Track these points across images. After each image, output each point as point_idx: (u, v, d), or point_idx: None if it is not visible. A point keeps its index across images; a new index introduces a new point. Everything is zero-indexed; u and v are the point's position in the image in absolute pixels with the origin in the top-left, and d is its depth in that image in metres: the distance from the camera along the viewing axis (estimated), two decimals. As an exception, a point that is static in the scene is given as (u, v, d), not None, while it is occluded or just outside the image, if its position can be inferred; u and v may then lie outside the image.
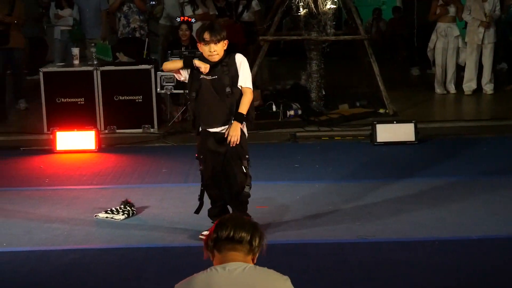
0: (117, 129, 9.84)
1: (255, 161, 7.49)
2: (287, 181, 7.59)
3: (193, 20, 11.13)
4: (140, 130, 9.85)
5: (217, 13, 12.37)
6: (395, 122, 9.31)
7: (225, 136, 5.72)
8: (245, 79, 5.77)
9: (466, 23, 12.30)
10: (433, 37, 12.27)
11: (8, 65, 11.38)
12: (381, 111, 10.52)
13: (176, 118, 10.07)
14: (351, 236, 6.01)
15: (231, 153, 5.78)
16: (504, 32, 12.72)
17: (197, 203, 6.04)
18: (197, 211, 6.02)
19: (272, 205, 6.78)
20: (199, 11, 11.96)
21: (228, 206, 6.07)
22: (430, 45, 12.32)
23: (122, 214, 6.50)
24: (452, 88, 12.28)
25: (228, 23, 12.45)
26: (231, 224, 3.25)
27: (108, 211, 6.57)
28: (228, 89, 5.73)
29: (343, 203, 6.82)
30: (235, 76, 5.75)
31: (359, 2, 18.08)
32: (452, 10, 12.09)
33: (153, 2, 13.69)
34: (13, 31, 10.98)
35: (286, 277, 3.20)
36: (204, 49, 5.74)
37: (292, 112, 10.29)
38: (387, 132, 9.06)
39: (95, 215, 6.54)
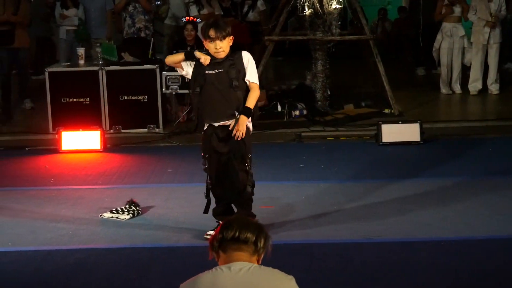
0: (122, 129, 9.86)
1: (260, 161, 7.54)
2: (292, 181, 7.59)
3: (198, 20, 11.14)
4: (145, 130, 9.86)
5: (222, 13, 12.38)
6: (400, 122, 9.30)
7: (230, 128, 5.70)
8: (253, 74, 5.78)
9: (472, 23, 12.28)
10: (439, 37, 12.26)
11: (13, 64, 11.41)
12: (387, 111, 10.51)
13: (181, 118, 10.08)
14: (356, 236, 6.00)
15: (234, 151, 5.77)
16: (510, 32, 12.70)
17: (203, 203, 6.04)
18: (206, 210, 5.99)
19: (277, 205, 6.77)
20: (205, 11, 11.97)
21: (233, 205, 6.06)
22: (436, 45, 12.31)
23: (127, 214, 6.50)
24: (457, 88, 12.27)
25: (233, 23, 12.44)
26: (236, 225, 3.25)
27: (113, 211, 6.57)
28: (235, 82, 5.72)
29: (348, 203, 6.81)
30: (241, 70, 5.75)
31: (364, 2, 18.07)
32: (457, 10, 12.08)
33: (158, 2, 13.70)
34: (18, 31, 11.00)
35: (291, 277, 3.20)
36: (210, 46, 5.75)
37: (297, 112, 10.29)
38: (392, 132, 9.04)
39: (100, 215, 6.55)
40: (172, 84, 9.94)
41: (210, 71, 5.75)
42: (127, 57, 10.49)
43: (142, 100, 9.88)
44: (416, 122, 9.15)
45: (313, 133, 9.71)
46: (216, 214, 6.01)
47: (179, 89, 9.93)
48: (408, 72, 14.59)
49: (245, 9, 13.06)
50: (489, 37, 11.95)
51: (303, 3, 10.32)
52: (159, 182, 7.65)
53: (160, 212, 6.66)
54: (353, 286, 5.13)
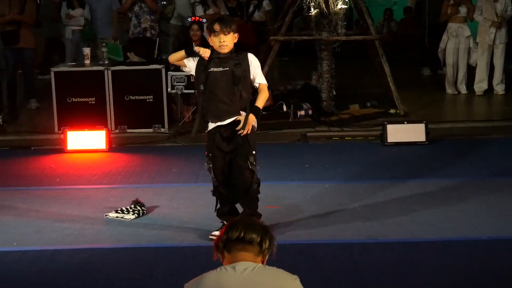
0: (127, 128, 9.86)
1: (266, 161, 7.54)
2: (297, 181, 7.58)
3: (204, 20, 11.14)
4: (150, 130, 9.86)
5: (228, 13, 12.37)
6: (405, 122, 9.29)
7: (237, 128, 5.69)
8: (261, 76, 5.80)
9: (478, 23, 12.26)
10: (444, 37, 12.24)
11: (18, 64, 11.43)
12: (392, 111, 10.50)
13: (187, 118, 10.08)
14: (361, 236, 5.99)
15: (238, 149, 5.76)
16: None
17: (208, 202, 6.04)
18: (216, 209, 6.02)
19: (282, 205, 6.77)
20: (210, 11, 11.97)
21: (237, 206, 6.06)
22: (441, 45, 12.30)
23: (132, 214, 6.50)
24: (463, 89, 12.25)
25: (239, 23, 12.42)
26: (241, 226, 3.26)
27: (118, 211, 6.57)
28: (240, 82, 5.71)
29: (353, 203, 6.80)
30: (246, 70, 5.75)
31: (370, 2, 18.06)
32: (463, 10, 12.06)
33: (164, 2, 13.72)
34: (24, 31, 11.02)
35: (295, 277, 3.20)
36: (214, 40, 5.75)
37: (302, 112, 10.28)
38: (397, 133, 9.03)
39: (105, 215, 6.55)
40: (177, 84, 9.95)
41: (215, 69, 5.74)
42: (133, 57, 10.49)
43: (147, 100, 9.89)
44: (422, 123, 9.14)
45: (319, 133, 9.70)
46: (220, 214, 6.00)
47: (185, 89, 9.93)
48: (413, 72, 14.56)
49: (251, 9, 13.06)
50: (494, 37, 11.93)
51: (309, 3, 10.31)
52: (164, 182, 7.65)
53: (165, 212, 6.66)
54: (357, 286, 5.13)
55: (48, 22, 13.23)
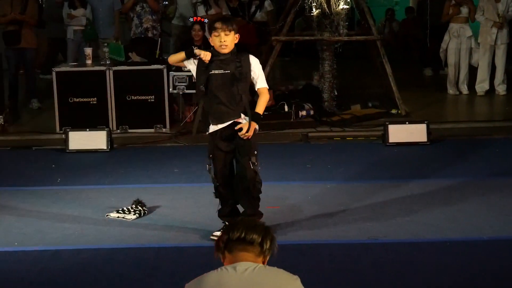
0: (129, 129, 9.87)
1: (267, 161, 7.55)
2: (298, 181, 7.58)
3: (205, 20, 11.13)
4: (152, 130, 9.87)
5: (230, 13, 12.37)
6: (407, 122, 9.29)
7: (240, 134, 5.69)
8: (262, 79, 5.78)
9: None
10: (446, 37, 12.25)
11: (20, 64, 11.44)
12: (393, 111, 10.50)
13: (188, 118, 10.09)
14: (363, 236, 5.99)
15: (239, 149, 5.76)
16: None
17: (209, 203, 6.05)
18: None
19: (284, 205, 6.77)
20: (212, 11, 11.98)
21: (238, 206, 6.06)
22: (443, 45, 12.30)
23: (134, 214, 6.50)
24: (464, 89, 12.26)
25: (241, 23, 12.45)
26: (242, 226, 3.26)
27: (120, 211, 6.57)
28: (241, 85, 5.71)
29: (354, 204, 6.80)
30: (247, 72, 5.74)
31: (372, 3, 18.06)
32: (464, 10, 12.06)
33: (166, 2, 13.72)
34: (25, 31, 11.03)
35: (296, 277, 3.20)
36: (215, 40, 5.73)
37: (304, 113, 10.29)
38: (399, 133, 9.03)
39: (107, 215, 6.55)
40: (179, 84, 9.95)
41: (216, 71, 5.73)
42: (134, 57, 10.50)
43: (149, 100, 9.89)
44: (423, 123, 9.13)
45: (320, 133, 9.71)
46: (222, 215, 6.00)
47: (186, 89, 9.93)
48: (415, 72, 14.57)
49: (253, 9, 13.05)
50: (496, 37, 11.93)
51: (311, 3, 10.32)
52: (165, 182, 7.65)
53: (166, 212, 6.67)
54: (358, 286, 5.13)
55: (53, 22, 13.22)
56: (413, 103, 11.07)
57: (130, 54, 10.55)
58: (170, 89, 9.99)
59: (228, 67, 5.72)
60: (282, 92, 11.11)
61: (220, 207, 6.01)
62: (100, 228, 6.27)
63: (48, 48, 14.04)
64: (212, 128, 5.83)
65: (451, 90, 12.25)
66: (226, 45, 5.70)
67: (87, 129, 9.11)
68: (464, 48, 12.15)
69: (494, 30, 11.89)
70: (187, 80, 9.84)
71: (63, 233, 6.18)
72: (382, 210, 6.62)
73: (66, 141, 9.00)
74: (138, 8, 11.53)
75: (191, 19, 11.47)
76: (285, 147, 9.10)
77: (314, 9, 10.34)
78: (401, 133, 9.04)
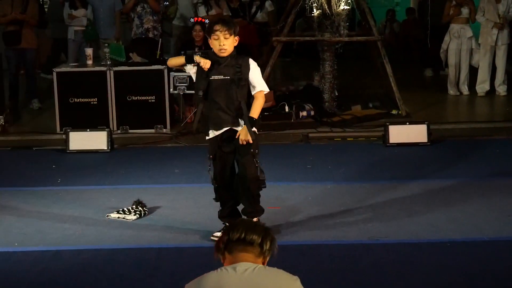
0: (129, 129, 9.87)
1: (267, 162, 7.51)
2: (299, 182, 7.58)
3: (206, 20, 11.13)
4: (152, 131, 9.87)
5: (230, 14, 12.39)
6: (407, 123, 9.29)
7: (237, 137, 5.69)
8: (259, 83, 5.76)
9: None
10: (446, 38, 12.25)
11: (21, 65, 11.44)
12: (394, 112, 10.50)
13: (189, 119, 10.08)
14: (363, 237, 5.99)
15: (240, 148, 5.73)
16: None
17: (209, 203, 6.05)
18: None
19: (284, 206, 6.77)
20: (213, 12, 11.98)
21: (238, 207, 6.06)
22: (443, 46, 12.30)
23: (134, 214, 6.50)
24: (465, 90, 12.26)
25: (241, 24, 12.46)
26: (242, 227, 3.27)
27: (120, 211, 6.57)
28: (240, 91, 5.71)
29: (355, 204, 6.80)
30: (246, 78, 5.72)
31: (372, 3, 18.09)
32: (465, 11, 12.06)
33: (166, 3, 13.71)
34: (26, 31, 11.03)
35: (295, 277, 3.20)
36: (214, 44, 5.72)
37: (304, 113, 10.29)
38: (399, 133, 9.03)
39: (107, 215, 6.55)
40: (179, 84, 9.96)
41: (216, 77, 5.71)
42: (135, 58, 10.50)
43: (149, 101, 9.89)
44: (424, 123, 9.13)
45: (321, 134, 9.70)
46: (222, 216, 6.00)
47: (187, 90, 9.93)
48: (415, 73, 14.57)
49: (253, 10, 13.09)
50: (497, 38, 11.93)
51: (311, 4, 10.32)
52: (166, 183, 7.65)
53: (167, 212, 6.67)
54: (358, 286, 5.13)
55: (56, 22, 13.22)
56: (414, 104, 11.07)
57: (130, 54, 10.55)
58: (171, 90, 9.99)
59: (228, 73, 5.70)
60: (283, 92, 11.12)
61: (220, 208, 6.01)
62: (101, 229, 6.27)
63: (52, 48, 14.03)
64: (212, 133, 5.82)
65: (451, 91, 12.26)
66: (225, 49, 5.68)
67: (88, 130, 9.10)
68: (465, 48, 12.15)
69: (495, 31, 11.89)
70: (188, 81, 9.84)
71: (63, 233, 6.18)
72: (382, 211, 6.62)
73: (66, 141, 9.00)
74: (139, 8, 11.53)
75: (192, 20, 11.47)
76: (285, 148, 9.10)
77: (314, 10, 10.35)
78: (402, 133, 9.04)
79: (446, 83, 12.43)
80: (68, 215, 6.62)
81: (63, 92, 9.85)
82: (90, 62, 10.30)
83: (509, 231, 6.08)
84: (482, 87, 12.11)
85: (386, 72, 10.73)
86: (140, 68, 10.13)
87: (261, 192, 5.95)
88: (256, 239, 3.23)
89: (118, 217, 6.50)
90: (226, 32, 5.64)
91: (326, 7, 10.23)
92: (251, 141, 5.66)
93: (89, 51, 10.44)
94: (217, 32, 5.65)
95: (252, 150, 5.76)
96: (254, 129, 5.77)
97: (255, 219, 5.89)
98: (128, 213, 6.52)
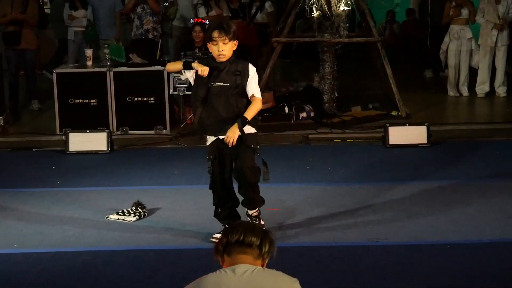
0: (129, 130, 9.86)
1: (267, 163, 7.50)
2: (299, 183, 7.58)
3: (206, 21, 11.13)
4: (152, 132, 9.86)
5: (230, 15, 12.39)
6: (407, 124, 9.29)
7: (225, 139, 5.68)
8: (256, 90, 5.75)
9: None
10: (446, 39, 12.25)
11: (20, 65, 11.43)
12: (394, 113, 10.50)
13: (188, 120, 10.08)
14: (363, 238, 5.99)
15: (240, 144, 5.71)
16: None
17: (209, 205, 6.03)
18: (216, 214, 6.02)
19: (284, 207, 6.77)
20: (213, 13, 11.97)
21: (237, 209, 6.05)
22: (443, 47, 12.31)
23: (134, 216, 6.50)
24: (465, 91, 12.26)
25: (241, 24, 12.46)
26: (241, 229, 3.26)
27: (120, 213, 6.57)
28: (241, 98, 5.70)
29: (354, 206, 6.80)
30: (245, 84, 5.71)
31: (372, 4, 18.09)
32: (465, 12, 12.07)
33: (166, 4, 13.71)
34: (26, 31, 11.03)
35: (295, 279, 3.20)
36: (213, 49, 5.71)
37: (304, 114, 10.28)
38: (399, 135, 9.03)
39: (107, 217, 6.55)
40: (179, 85, 9.95)
41: (215, 84, 5.70)
42: (135, 59, 10.49)
43: (149, 102, 9.89)
44: (423, 125, 9.14)
45: (320, 135, 9.70)
46: (221, 218, 5.99)
47: (187, 91, 9.92)
48: (415, 74, 14.57)
49: (253, 10, 13.08)
50: (496, 39, 11.93)
51: (311, 5, 10.32)
52: (166, 184, 7.64)
53: (167, 214, 6.66)
54: (359, 289, 5.13)
55: (60, 23, 13.20)
56: (414, 105, 11.07)
57: (130, 55, 10.54)
58: (171, 91, 9.98)
59: (228, 80, 5.69)
60: (283, 93, 11.12)
61: (219, 210, 6.00)
62: (100, 230, 6.27)
63: (57, 48, 14.00)
64: (210, 139, 5.82)
65: (451, 92, 12.26)
66: (224, 54, 5.68)
67: (87, 131, 9.10)
68: (465, 50, 12.15)
69: (495, 32, 11.89)
70: (188, 82, 9.82)
71: (63, 234, 6.17)
72: (382, 212, 6.62)
73: (66, 142, 9.00)
74: (139, 9, 11.53)
75: (191, 21, 11.46)
76: (285, 149, 9.10)
77: (314, 11, 10.35)
78: (402, 135, 9.04)
79: (446, 84, 12.44)
80: (68, 217, 6.61)
81: (63, 93, 9.85)
82: (90, 63, 10.30)
83: (509, 232, 6.07)
84: (482, 88, 12.11)
85: (386, 73, 10.73)
86: (140, 69, 10.12)
87: (261, 195, 5.94)
88: (255, 241, 3.23)
89: (118, 219, 6.49)
90: (225, 38, 5.64)
91: (326, 8, 10.24)
92: (234, 142, 5.63)
93: (89, 52, 10.44)
94: (216, 39, 5.65)
95: (252, 146, 5.75)
96: (253, 130, 5.77)
97: (255, 212, 5.88)
98: (127, 215, 6.52)
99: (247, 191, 5.87)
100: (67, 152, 8.95)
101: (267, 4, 13.12)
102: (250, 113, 5.70)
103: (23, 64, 11.41)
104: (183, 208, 6.82)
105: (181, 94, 10.04)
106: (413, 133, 9.08)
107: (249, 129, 5.76)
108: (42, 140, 9.63)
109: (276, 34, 11.09)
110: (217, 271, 3.19)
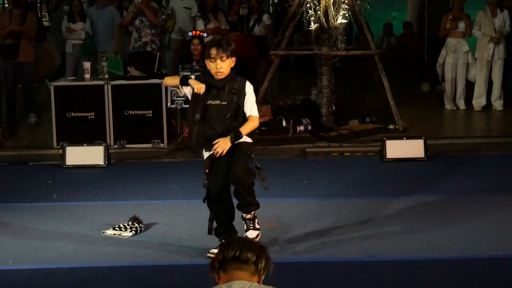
0: (126, 144, 9.84)
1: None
2: (296, 198, 7.56)
3: (204, 34, 11.14)
4: (149, 145, 9.85)
5: (228, 28, 12.39)
6: (404, 138, 9.29)
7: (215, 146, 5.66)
8: (253, 108, 5.75)
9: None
10: (443, 52, 12.28)
11: (18, 78, 11.43)
12: (391, 127, 10.50)
13: (186, 133, 10.06)
14: (360, 254, 5.97)
15: (236, 150, 5.71)
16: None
17: (206, 220, 6.01)
18: (210, 231, 5.96)
19: (281, 222, 6.75)
20: (211, 25, 11.98)
21: (234, 223, 6.03)
22: (440, 60, 12.33)
23: (130, 231, 6.47)
24: (461, 104, 12.27)
25: (239, 37, 12.47)
26: (237, 245, 3.24)
27: (116, 228, 6.54)
28: (238, 117, 5.70)
29: (352, 220, 6.78)
30: (241, 102, 5.72)
31: (370, 17, 18.06)
32: (461, 25, 12.09)
33: (164, 16, 13.71)
34: (24, 44, 11.03)
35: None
36: (211, 66, 5.71)
37: (302, 128, 10.27)
38: (396, 148, 9.02)
39: (103, 232, 6.51)
40: (177, 99, 9.95)
41: (212, 102, 5.70)
42: (133, 71, 10.49)
43: (147, 115, 9.88)
44: (421, 138, 9.13)
45: (318, 148, 9.70)
46: (218, 233, 5.97)
47: (184, 104, 9.91)
48: (413, 87, 14.58)
49: (251, 23, 13.08)
50: (493, 53, 11.96)
51: (309, 18, 10.34)
52: (162, 199, 7.62)
53: (163, 229, 6.63)
54: (356, 305, 5.11)
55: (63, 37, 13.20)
56: (411, 119, 11.08)
57: (128, 68, 10.54)
58: (168, 104, 9.98)
59: (225, 98, 5.69)
60: (280, 106, 11.11)
61: (215, 225, 5.97)
62: (96, 246, 6.23)
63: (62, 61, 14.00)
64: (206, 154, 5.81)
65: (448, 106, 12.27)
66: (222, 72, 5.68)
67: (84, 144, 9.07)
68: (461, 63, 12.17)
69: (491, 45, 11.92)
70: (185, 95, 9.80)
71: (58, 251, 6.13)
72: (380, 227, 6.59)
73: (63, 156, 8.96)
74: (137, 22, 11.53)
75: (190, 33, 11.47)
76: (282, 163, 9.08)
77: (312, 24, 10.36)
78: (399, 148, 9.03)
79: (443, 97, 12.44)
80: (64, 232, 6.58)
81: (61, 106, 9.84)
82: (88, 76, 10.30)
83: (507, 248, 6.05)
84: (478, 101, 12.13)
85: (383, 87, 10.74)
86: (138, 82, 10.12)
87: (258, 211, 5.93)
88: (251, 257, 3.21)
89: (114, 234, 6.46)
90: (223, 55, 5.64)
91: (324, 21, 10.25)
92: (224, 152, 5.61)
93: (87, 64, 10.44)
94: (214, 56, 5.65)
95: (248, 153, 5.74)
96: (249, 140, 5.76)
97: (249, 215, 5.85)
98: (124, 230, 6.49)
99: (242, 194, 5.82)
100: (64, 166, 8.92)
101: (265, 17, 13.13)
102: (245, 129, 5.70)
103: (21, 77, 11.41)
104: (180, 223, 6.79)
105: (179, 108, 10.04)
106: (410, 147, 9.07)
107: (245, 139, 5.76)
108: (39, 154, 9.61)
109: (274, 47, 11.10)
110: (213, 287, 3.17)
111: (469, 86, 12.35)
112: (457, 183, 8.03)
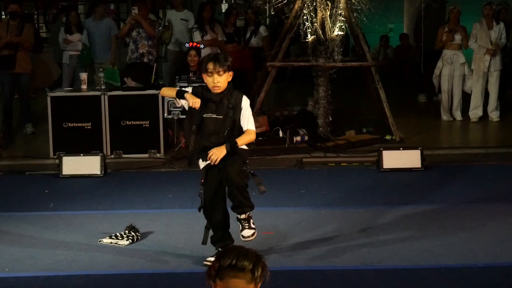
0: (123, 153, 9.85)
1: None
2: (293, 207, 7.56)
3: (201, 46, 11.17)
4: (146, 155, 9.85)
5: (225, 39, 12.43)
6: (401, 148, 9.30)
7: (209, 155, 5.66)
8: (250, 122, 5.77)
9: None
10: (439, 64, 12.31)
11: (14, 89, 11.43)
12: (388, 137, 10.52)
13: (183, 143, 10.07)
14: (357, 262, 5.97)
15: (231, 156, 5.70)
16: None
17: (202, 229, 6.00)
18: (204, 241, 5.95)
19: (277, 231, 6.75)
20: (208, 37, 12.01)
21: (230, 230, 6.03)
22: (436, 71, 12.36)
23: (127, 240, 6.47)
24: (458, 115, 12.30)
25: (236, 49, 12.53)
26: (234, 253, 3.24)
27: (113, 237, 6.54)
28: (234, 131, 5.71)
29: (349, 230, 6.78)
30: (238, 116, 5.73)
31: (366, 29, 18.13)
32: (458, 37, 12.13)
33: (161, 28, 13.74)
34: (20, 55, 11.04)
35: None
36: (208, 80, 5.72)
37: (298, 138, 10.30)
38: (393, 159, 9.03)
39: (99, 241, 6.52)
40: (174, 109, 9.96)
41: (209, 115, 5.72)
42: (130, 82, 10.50)
43: (143, 125, 9.89)
44: (417, 149, 9.14)
45: (315, 159, 9.71)
46: (214, 242, 5.97)
47: (181, 114, 9.92)
48: (409, 98, 14.61)
49: (248, 35, 13.13)
50: (489, 64, 12.00)
51: (306, 29, 10.37)
52: (159, 208, 7.62)
53: (160, 238, 6.63)
54: (353, 313, 5.11)
55: (58, 46, 13.22)
56: (407, 129, 11.10)
57: (125, 79, 10.55)
58: (165, 114, 9.99)
59: (221, 112, 5.71)
60: (277, 117, 11.14)
61: (212, 233, 5.97)
62: (92, 254, 6.23)
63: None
64: (202, 164, 5.81)
65: (444, 116, 12.29)
66: (219, 86, 5.69)
67: (81, 154, 9.08)
68: (458, 74, 12.20)
69: (487, 57, 11.96)
70: (182, 106, 9.82)
71: (55, 259, 6.13)
72: (376, 236, 6.60)
73: (59, 166, 8.97)
74: (134, 33, 11.55)
75: (187, 45, 11.50)
76: (279, 173, 9.09)
77: (309, 35, 10.39)
78: (395, 159, 9.05)
79: (439, 108, 12.47)
80: (60, 240, 6.58)
81: (57, 116, 9.84)
82: (84, 86, 10.31)
83: (504, 257, 6.06)
84: (475, 112, 12.16)
85: (380, 98, 10.76)
86: (135, 93, 10.13)
87: (255, 221, 5.94)
88: (247, 265, 3.20)
89: (111, 242, 6.46)
90: (220, 70, 5.65)
91: (320, 32, 10.29)
92: (218, 160, 5.62)
93: (83, 75, 10.45)
94: (211, 70, 5.66)
95: (243, 157, 5.76)
96: (245, 147, 5.78)
97: (244, 215, 5.84)
98: (120, 238, 6.49)
99: (235, 195, 5.81)
100: (61, 176, 8.91)
101: (262, 29, 13.18)
102: (241, 141, 5.73)
103: (18, 88, 11.42)
104: (177, 231, 6.79)
105: (176, 118, 10.05)
106: (407, 157, 9.09)
107: (242, 146, 5.77)
108: (36, 163, 9.62)
109: (271, 58, 11.13)
110: (210, 296, 3.17)
111: (465, 98, 12.39)
112: (454, 193, 8.04)
